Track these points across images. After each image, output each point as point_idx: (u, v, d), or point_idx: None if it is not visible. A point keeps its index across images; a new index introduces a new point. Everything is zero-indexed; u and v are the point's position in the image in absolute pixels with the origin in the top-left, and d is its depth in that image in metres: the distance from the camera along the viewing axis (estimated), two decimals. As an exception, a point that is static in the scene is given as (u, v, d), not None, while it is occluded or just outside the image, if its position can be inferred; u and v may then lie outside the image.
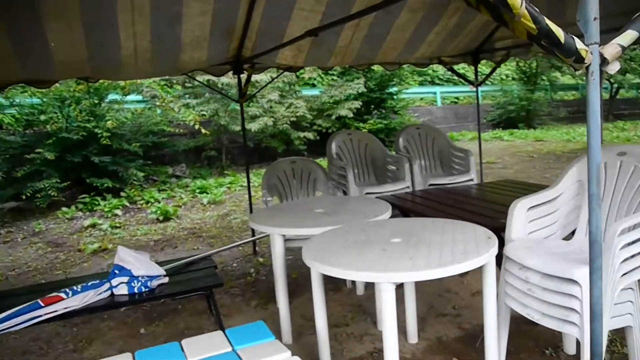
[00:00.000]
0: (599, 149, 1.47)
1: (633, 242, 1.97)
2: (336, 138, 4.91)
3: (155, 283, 2.91)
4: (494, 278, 2.20)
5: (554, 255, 2.23)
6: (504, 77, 18.43)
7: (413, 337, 2.83)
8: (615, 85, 16.10)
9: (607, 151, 2.41)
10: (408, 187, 4.34)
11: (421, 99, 16.69)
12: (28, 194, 7.11)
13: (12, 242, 6.11)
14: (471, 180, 4.49)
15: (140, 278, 2.90)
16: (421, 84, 16.85)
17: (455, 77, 18.61)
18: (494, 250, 2.11)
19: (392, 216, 3.02)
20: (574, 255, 2.31)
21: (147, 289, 2.88)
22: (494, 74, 14.02)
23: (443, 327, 3.00)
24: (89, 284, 2.82)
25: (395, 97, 13.15)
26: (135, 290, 2.86)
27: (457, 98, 17.54)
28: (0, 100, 7.90)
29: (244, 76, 4.77)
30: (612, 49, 1.48)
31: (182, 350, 2.13)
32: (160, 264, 3.07)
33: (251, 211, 4.81)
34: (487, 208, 3.28)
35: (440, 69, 17.51)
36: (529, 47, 4.75)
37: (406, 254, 2.12)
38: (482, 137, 14.04)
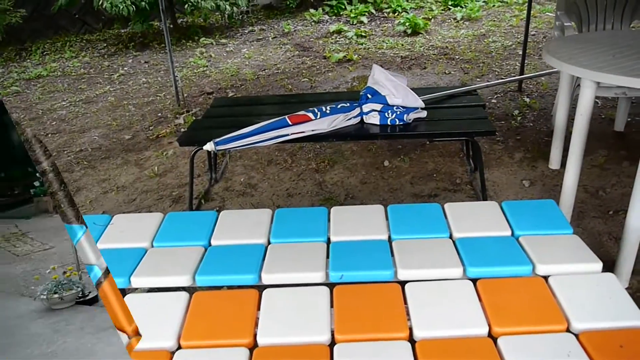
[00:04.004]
0: None
1: None
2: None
3: (411, 116, 2.41)
4: None
5: None
6: None
7: None
8: None
9: None
10: None
11: None
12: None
13: (264, 40, 6.20)
14: None
15: (395, 108, 2.42)
16: None
17: None
18: None
19: None
20: None
21: (401, 122, 2.41)
22: None
23: None
24: (339, 106, 2.45)
25: None
26: (388, 121, 2.41)
27: None
28: None
29: None
30: None
31: (445, 215, 1.68)
32: (418, 91, 2.51)
33: (526, 37, 3.79)
34: None
35: None
36: None
37: None
38: None
